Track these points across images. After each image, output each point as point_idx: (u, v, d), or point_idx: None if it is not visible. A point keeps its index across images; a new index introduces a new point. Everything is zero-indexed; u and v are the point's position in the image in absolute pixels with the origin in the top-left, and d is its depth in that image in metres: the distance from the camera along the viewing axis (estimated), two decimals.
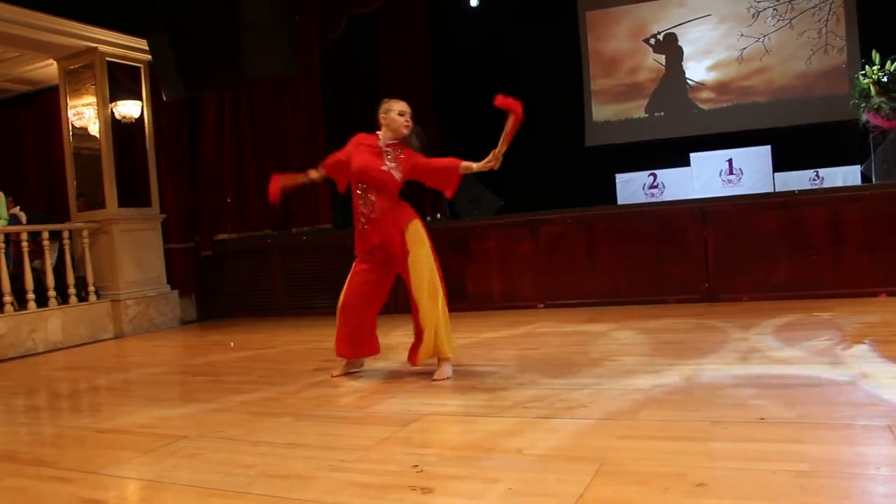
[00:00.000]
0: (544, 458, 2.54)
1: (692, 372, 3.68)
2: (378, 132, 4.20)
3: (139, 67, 8.24)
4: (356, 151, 4.18)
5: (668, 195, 9.75)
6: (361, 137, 4.24)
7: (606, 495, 2.15)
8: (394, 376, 4.29)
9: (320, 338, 5.16)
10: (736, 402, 3.04)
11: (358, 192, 4.17)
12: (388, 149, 4.14)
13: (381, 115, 4.18)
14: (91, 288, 7.76)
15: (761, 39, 9.90)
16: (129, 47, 8.03)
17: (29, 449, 3.37)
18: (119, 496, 2.61)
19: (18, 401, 4.87)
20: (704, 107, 10.41)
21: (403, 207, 4.20)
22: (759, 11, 9.89)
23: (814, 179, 9.06)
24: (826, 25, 9.55)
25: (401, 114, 4.14)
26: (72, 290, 7.51)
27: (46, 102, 9.37)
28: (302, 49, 8.16)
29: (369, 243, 4.16)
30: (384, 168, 4.10)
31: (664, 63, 10.63)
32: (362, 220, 4.15)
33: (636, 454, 2.49)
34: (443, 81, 11.17)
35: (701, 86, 10.41)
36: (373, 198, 4.10)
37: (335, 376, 4.38)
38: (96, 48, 7.77)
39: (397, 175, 4.12)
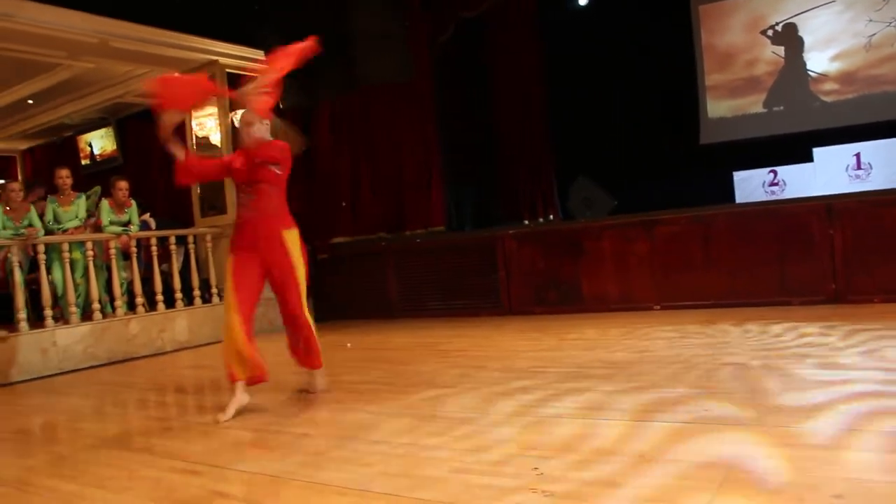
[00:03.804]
0: (669, 463, 2.46)
1: (824, 376, 3.49)
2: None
3: (257, 78, 8.52)
4: None
5: (790, 193, 9.32)
6: None
7: None
8: (508, 378, 4.27)
9: (434, 339, 5.20)
10: (875, 411, 2.84)
11: None
12: None
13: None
14: (214, 290, 8.10)
15: (892, 24, 9.31)
16: (247, 58, 8.35)
17: (161, 442, 3.55)
18: (244, 490, 2.69)
19: (150, 396, 5.15)
20: (827, 99, 9.89)
21: None
22: None
23: None
24: None
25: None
26: (196, 293, 7.87)
27: None
28: (413, 55, 8.26)
29: None
30: None
31: (783, 55, 10.17)
32: None
33: (766, 463, 2.37)
34: (553, 82, 11.07)
35: (824, 77, 9.90)
36: None
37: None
38: (217, 60, 8.13)
39: None
